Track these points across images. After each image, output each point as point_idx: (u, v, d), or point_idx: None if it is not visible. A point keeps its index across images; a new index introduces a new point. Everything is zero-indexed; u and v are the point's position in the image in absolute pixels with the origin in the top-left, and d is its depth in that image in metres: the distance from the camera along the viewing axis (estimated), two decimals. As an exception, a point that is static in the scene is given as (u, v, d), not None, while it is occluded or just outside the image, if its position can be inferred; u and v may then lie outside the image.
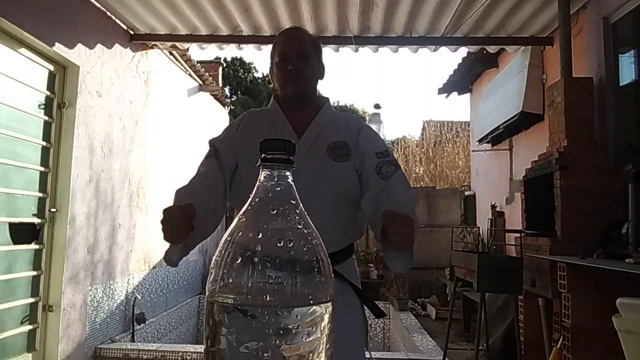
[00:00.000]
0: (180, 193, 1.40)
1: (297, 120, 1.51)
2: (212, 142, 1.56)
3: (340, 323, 1.35)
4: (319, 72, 1.59)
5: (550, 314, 3.44)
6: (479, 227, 6.84)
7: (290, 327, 0.49)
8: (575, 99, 3.56)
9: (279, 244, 0.52)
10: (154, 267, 5.35)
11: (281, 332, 0.49)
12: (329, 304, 0.53)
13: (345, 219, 1.47)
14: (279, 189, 0.55)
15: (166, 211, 1.20)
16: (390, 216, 1.19)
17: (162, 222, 1.18)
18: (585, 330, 2.85)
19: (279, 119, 1.53)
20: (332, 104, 1.62)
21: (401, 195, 1.40)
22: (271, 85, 24.01)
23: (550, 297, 3.33)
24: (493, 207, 6.22)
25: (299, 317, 0.50)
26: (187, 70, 6.25)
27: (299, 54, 1.51)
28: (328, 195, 1.42)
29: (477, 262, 3.67)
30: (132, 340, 4.63)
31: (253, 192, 0.55)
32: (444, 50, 4.71)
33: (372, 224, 1.40)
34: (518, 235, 4.05)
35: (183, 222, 1.18)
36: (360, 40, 4.44)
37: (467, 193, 8.18)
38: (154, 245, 5.33)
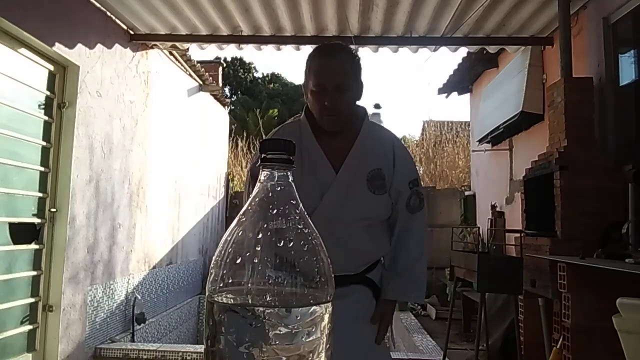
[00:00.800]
0: None
1: (333, 152, 1.49)
2: (252, 172, 1.58)
3: (369, 324, 1.52)
4: (358, 94, 1.55)
5: (550, 314, 3.44)
6: (479, 227, 6.84)
7: (290, 327, 0.49)
8: (576, 99, 3.56)
9: (279, 244, 0.52)
10: (154, 267, 5.35)
11: (281, 332, 0.49)
12: (329, 304, 0.53)
13: (380, 238, 1.59)
14: (280, 188, 0.55)
15: None
16: (379, 312, 1.55)
17: None
18: (586, 330, 2.85)
19: (314, 150, 1.50)
20: None
21: (414, 245, 1.58)
22: (271, 86, 24.01)
23: (550, 297, 3.33)
24: (493, 207, 6.22)
25: (299, 317, 0.50)
26: (187, 70, 6.25)
27: (337, 87, 1.44)
28: (367, 222, 1.52)
29: (477, 262, 3.67)
30: (132, 340, 4.63)
31: (253, 192, 0.55)
32: (444, 50, 4.71)
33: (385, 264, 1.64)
34: (518, 235, 4.05)
35: None
36: (360, 40, 4.44)
37: (467, 193, 8.18)
38: (154, 245, 5.33)
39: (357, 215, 1.48)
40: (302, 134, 1.54)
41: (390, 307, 1.59)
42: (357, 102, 1.57)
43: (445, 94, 7.70)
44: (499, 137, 5.80)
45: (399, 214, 1.57)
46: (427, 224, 1.67)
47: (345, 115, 1.50)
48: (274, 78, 24.89)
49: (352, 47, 4.62)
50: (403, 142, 1.70)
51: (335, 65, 1.46)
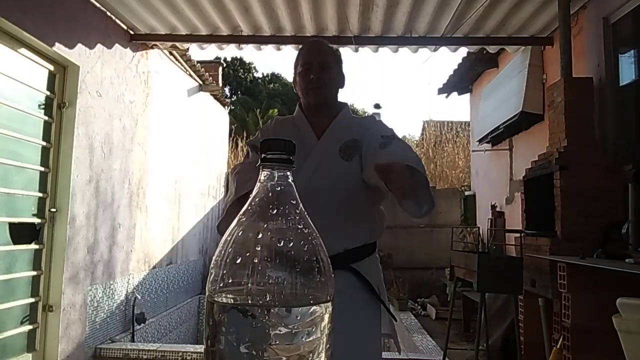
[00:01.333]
0: (240, 180, 1.48)
1: (318, 124, 1.62)
2: (252, 143, 1.70)
3: (354, 317, 1.40)
4: (340, 81, 1.69)
5: (550, 314, 3.44)
6: (479, 227, 6.84)
7: (290, 327, 0.49)
8: (575, 99, 3.56)
9: (279, 244, 0.52)
10: (154, 267, 5.35)
11: (281, 332, 0.49)
12: (329, 304, 0.53)
13: (360, 215, 1.54)
14: (279, 188, 0.55)
15: None
16: (383, 169, 1.17)
17: None
18: (586, 330, 2.85)
19: (301, 123, 1.64)
20: None
21: (397, 149, 1.43)
22: (271, 86, 24.03)
23: (550, 297, 3.33)
24: (493, 207, 6.22)
25: (299, 317, 0.50)
26: (187, 70, 6.25)
27: (320, 64, 1.61)
28: (340, 192, 1.51)
29: (477, 262, 3.67)
30: (132, 340, 4.63)
31: (253, 192, 0.56)
32: (444, 50, 4.71)
33: (372, 180, 1.38)
34: (518, 235, 4.05)
35: None
36: (360, 40, 4.44)
37: (467, 193, 8.18)
38: (154, 245, 5.33)
39: (330, 182, 1.50)
40: (295, 118, 1.69)
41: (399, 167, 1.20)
42: (339, 91, 1.70)
43: (445, 94, 7.70)
44: (499, 137, 5.81)
45: (374, 154, 1.42)
46: (405, 145, 1.55)
47: (329, 91, 1.64)
48: (274, 78, 24.89)
49: (352, 47, 4.63)
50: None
51: (319, 47, 1.67)
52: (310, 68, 1.61)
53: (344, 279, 1.44)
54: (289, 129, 1.66)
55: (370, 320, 1.50)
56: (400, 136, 1.58)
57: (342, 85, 1.70)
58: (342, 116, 1.65)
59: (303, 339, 0.49)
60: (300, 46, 1.71)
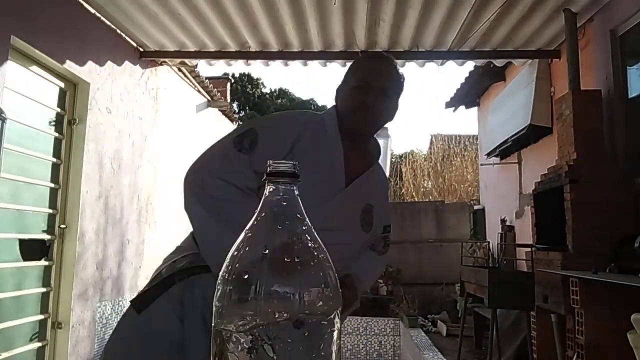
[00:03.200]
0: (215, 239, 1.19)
1: (350, 167, 1.34)
2: (255, 132, 1.29)
3: None
4: (392, 114, 1.42)
5: (563, 330, 3.38)
6: (488, 242, 6.77)
7: (297, 343, 0.48)
8: (584, 112, 3.54)
9: (285, 259, 0.51)
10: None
11: (289, 348, 0.48)
12: (337, 319, 0.52)
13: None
14: (285, 203, 0.54)
15: None
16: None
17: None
18: (600, 346, 2.80)
19: (335, 147, 1.34)
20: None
21: (368, 271, 1.41)
22: (279, 101, 24.18)
23: (563, 313, 3.28)
24: (503, 221, 6.17)
25: (306, 333, 0.49)
26: (195, 86, 6.31)
27: (381, 89, 1.33)
28: (343, 252, 1.28)
29: (487, 278, 3.64)
30: (140, 357, 4.60)
31: (259, 207, 0.55)
32: (450, 64, 4.72)
33: None
34: (529, 249, 4.01)
35: None
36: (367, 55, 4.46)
37: (476, 207, 8.13)
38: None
39: (342, 238, 1.26)
40: (329, 132, 1.36)
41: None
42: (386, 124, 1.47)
43: (453, 108, 7.70)
44: (508, 150, 5.78)
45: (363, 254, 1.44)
46: (382, 270, 1.56)
47: (378, 123, 1.39)
48: (282, 93, 25.06)
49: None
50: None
51: (386, 68, 1.37)
52: (367, 88, 1.32)
53: None
54: (320, 144, 1.33)
55: None
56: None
57: (391, 118, 1.42)
58: (375, 169, 1.43)
59: (311, 355, 0.49)
60: (360, 54, 1.49)
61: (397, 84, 1.38)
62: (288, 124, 1.37)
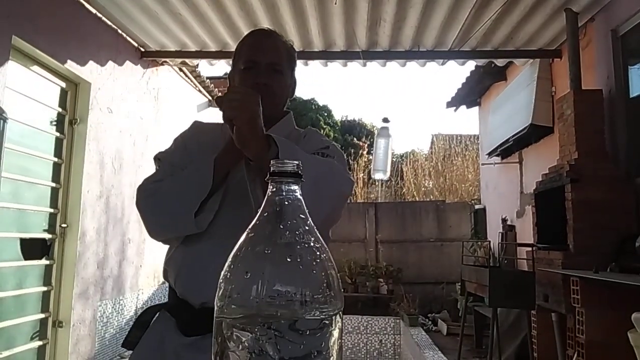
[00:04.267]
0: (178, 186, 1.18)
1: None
2: (159, 157, 1.33)
3: None
4: (291, 89, 1.35)
5: (563, 329, 3.38)
6: (489, 241, 6.77)
7: (299, 342, 0.48)
8: (585, 111, 3.54)
9: (287, 259, 0.52)
10: (164, 283, 5.35)
11: (290, 347, 0.48)
12: (339, 320, 0.52)
13: None
14: (288, 202, 0.55)
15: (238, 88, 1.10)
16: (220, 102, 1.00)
17: (234, 99, 0.98)
18: (600, 346, 2.80)
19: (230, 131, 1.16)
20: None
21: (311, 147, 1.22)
22: (280, 101, 24.14)
23: (563, 312, 3.28)
24: (504, 220, 6.17)
25: (308, 333, 0.49)
26: (196, 86, 6.31)
27: (270, 66, 1.24)
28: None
29: (488, 277, 3.63)
30: (141, 356, 4.61)
31: (261, 207, 0.55)
32: (451, 63, 4.72)
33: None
34: (530, 249, 4.01)
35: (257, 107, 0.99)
36: (368, 55, 4.47)
37: (477, 206, 8.12)
38: (164, 260, 5.33)
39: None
40: (224, 129, 1.18)
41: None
42: (288, 101, 1.36)
43: (454, 108, 7.70)
44: (509, 150, 5.78)
45: None
46: (335, 176, 1.17)
47: (277, 102, 1.27)
48: (283, 93, 25.01)
49: (360, 61, 4.65)
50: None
51: (271, 44, 1.28)
52: (256, 68, 1.22)
53: None
54: (212, 135, 1.29)
55: None
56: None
57: (291, 94, 1.36)
58: (283, 124, 1.30)
59: (312, 355, 0.49)
60: (245, 34, 1.35)
61: (287, 56, 1.30)
62: (194, 129, 1.38)
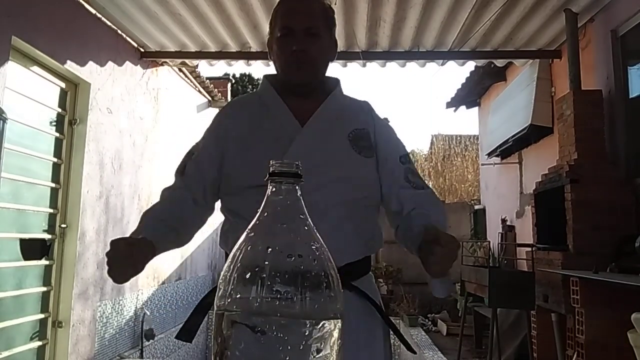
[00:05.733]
0: (144, 218, 1.32)
1: (300, 108, 1.22)
2: (190, 150, 1.35)
3: (364, 348, 1.13)
4: (331, 51, 1.29)
5: (563, 329, 3.39)
6: (489, 242, 6.77)
7: (299, 342, 0.48)
8: (585, 112, 3.54)
9: (288, 259, 0.52)
10: (163, 283, 5.35)
11: (289, 348, 0.48)
12: (339, 320, 0.52)
13: (364, 225, 1.22)
14: (288, 203, 0.55)
15: (113, 245, 1.03)
16: (433, 234, 1.02)
17: (108, 256, 1.02)
18: (600, 346, 2.80)
19: (275, 105, 1.24)
20: None
21: (436, 215, 1.18)
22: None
23: (563, 312, 3.28)
24: (503, 220, 6.17)
25: (307, 333, 0.49)
26: (196, 87, 6.31)
27: (306, 31, 1.20)
28: (347, 193, 1.16)
29: (488, 277, 3.64)
30: (141, 357, 4.61)
31: (261, 207, 0.55)
32: (451, 64, 4.72)
33: (401, 238, 1.24)
34: (529, 249, 4.01)
35: (128, 260, 1.07)
36: (367, 55, 4.46)
37: (476, 207, 8.12)
38: (163, 260, 5.33)
39: (334, 179, 1.14)
40: (262, 96, 1.29)
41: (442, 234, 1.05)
42: (330, 64, 1.32)
43: (454, 108, 7.70)
44: (508, 150, 5.78)
45: (401, 190, 1.22)
46: (442, 208, 1.28)
47: (317, 67, 1.25)
48: (282, 93, 25.02)
49: (360, 62, 4.65)
50: (412, 156, 1.43)
51: (306, 7, 1.24)
52: (291, 34, 1.20)
53: (346, 298, 1.04)
54: (255, 111, 1.27)
55: (378, 350, 1.23)
56: (408, 151, 1.33)
57: (333, 56, 1.30)
58: (336, 95, 1.28)
59: (312, 355, 0.49)
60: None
61: (323, 18, 1.25)
62: (233, 107, 1.39)
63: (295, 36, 1.19)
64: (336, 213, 1.13)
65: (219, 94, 6.99)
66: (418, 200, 1.21)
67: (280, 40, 1.22)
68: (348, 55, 4.48)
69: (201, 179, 1.26)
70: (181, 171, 1.29)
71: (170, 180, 1.34)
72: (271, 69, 1.34)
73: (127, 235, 1.18)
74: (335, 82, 1.32)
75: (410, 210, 1.21)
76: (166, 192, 1.29)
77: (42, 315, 3.48)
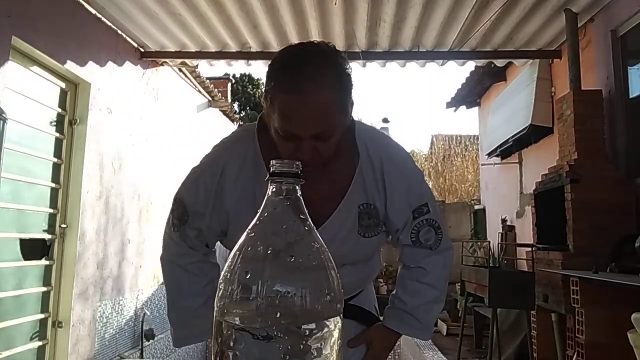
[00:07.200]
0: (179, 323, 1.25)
1: (312, 194, 0.93)
2: (182, 202, 1.17)
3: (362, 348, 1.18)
4: (346, 123, 1.04)
5: (563, 329, 3.39)
6: (489, 241, 6.78)
7: (299, 343, 0.48)
8: (585, 112, 3.55)
9: (288, 259, 0.52)
10: (163, 283, 5.35)
11: (290, 348, 0.48)
12: (339, 320, 0.52)
13: (367, 269, 1.26)
14: (288, 203, 0.55)
15: None
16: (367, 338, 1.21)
17: None
18: (600, 346, 2.80)
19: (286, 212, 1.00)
20: None
21: (428, 287, 1.21)
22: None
23: (563, 312, 3.28)
24: (503, 220, 6.17)
25: (307, 333, 0.49)
26: (196, 87, 6.30)
27: (315, 136, 0.95)
28: (354, 264, 1.17)
29: (488, 277, 3.64)
30: (141, 357, 4.61)
31: (262, 207, 0.55)
32: (451, 64, 4.72)
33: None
34: (529, 249, 4.01)
35: None
36: (367, 55, 4.46)
37: (476, 207, 8.12)
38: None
39: (343, 255, 1.07)
40: (259, 173, 1.07)
41: (384, 336, 1.22)
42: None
43: (454, 108, 7.70)
44: (508, 150, 5.78)
45: (405, 252, 1.21)
46: (450, 264, 1.27)
47: (328, 159, 1.02)
48: (282, 93, 24.96)
49: (360, 62, 4.65)
50: (412, 156, 1.25)
51: (314, 108, 0.92)
52: (297, 141, 0.96)
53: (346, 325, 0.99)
54: (250, 188, 1.09)
55: None
56: (408, 151, 1.27)
57: (349, 120, 1.06)
58: (359, 177, 1.11)
59: (312, 355, 0.49)
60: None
61: (338, 106, 0.97)
62: (204, 172, 1.17)
63: (302, 145, 0.95)
64: (346, 276, 0.99)
65: (219, 94, 6.99)
66: (415, 262, 1.22)
67: (283, 141, 0.98)
68: (348, 55, 4.42)
69: (203, 241, 1.21)
70: (184, 238, 1.18)
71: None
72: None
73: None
74: (351, 128, 1.10)
75: (408, 267, 1.24)
76: (184, 275, 1.22)
77: (42, 315, 3.48)
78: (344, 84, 0.97)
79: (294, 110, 0.93)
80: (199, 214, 1.13)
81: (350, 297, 1.23)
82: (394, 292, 1.26)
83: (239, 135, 1.20)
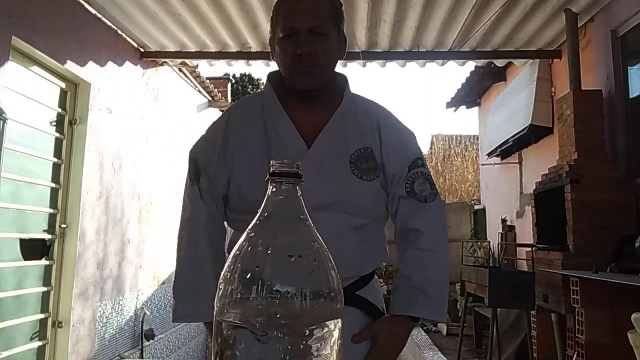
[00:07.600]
0: (185, 284, 1.25)
1: (306, 123, 1.17)
2: (194, 158, 1.28)
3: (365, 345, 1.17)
4: (340, 50, 1.21)
5: (563, 329, 3.39)
6: (489, 242, 6.78)
7: (299, 343, 0.48)
8: (585, 112, 3.55)
9: (288, 259, 0.52)
10: (163, 283, 5.34)
11: (290, 348, 0.48)
12: (339, 320, 0.52)
13: (370, 240, 1.21)
14: (288, 203, 0.55)
15: None
16: (375, 333, 1.16)
17: None
18: (600, 346, 2.80)
19: (279, 120, 1.18)
20: None
21: (429, 251, 1.19)
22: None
23: (563, 312, 3.28)
24: (503, 221, 6.17)
25: (307, 333, 0.49)
26: (196, 87, 6.30)
27: (312, 30, 1.10)
28: (350, 217, 1.15)
29: (488, 277, 3.64)
30: (141, 357, 4.61)
31: (262, 207, 0.55)
32: (451, 64, 4.72)
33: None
34: (529, 249, 4.01)
35: None
36: (367, 55, 4.46)
37: (476, 207, 8.12)
38: (163, 260, 5.33)
39: (333, 202, 1.12)
40: (265, 105, 1.21)
41: (391, 330, 1.17)
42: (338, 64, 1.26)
43: (454, 108, 7.70)
44: (508, 150, 5.78)
45: (400, 205, 1.20)
46: (446, 225, 1.25)
47: (325, 70, 1.16)
48: (282, 93, 24.97)
49: (360, 62, 4.65)
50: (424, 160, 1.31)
51: (311, 3, 1.13)
52: (295, 35, 1.11)
53: (350, 314, 1.05)
54: (259, 125, 1.20)
55: None
56: None
57: (342, 55, 1.22)
58: (344, 108, 1.20)
59: (312, 355, 0.49)
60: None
61: (330, 14, 1.15)
62: (213, 125, 1.31)
63: (299, 37, 1.10)
64: (341, 239, 1.13)
65: (219, 94, 7.00)
66: (411, 218, 1.20)
67: (283, 42, 1.13)
68: (348, 55, 4.44)
69: (215, 197, 1.25)
70: (198, 189, 1.26)
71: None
72: (272, 69, 1.32)
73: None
74: (343, 81, 1.26)
75: (404, 232, 1.22)
76: (199, 230, 1.26)
77: (42, 315, 3.47)
78: (336, 5, 1.19)
79: (293, 9, 1.13)
80: (208, 163, 1.23)
81: (356, 285, 1.20)
82: (396, 276, 1.25)
83: (246, 96, 1.37)
